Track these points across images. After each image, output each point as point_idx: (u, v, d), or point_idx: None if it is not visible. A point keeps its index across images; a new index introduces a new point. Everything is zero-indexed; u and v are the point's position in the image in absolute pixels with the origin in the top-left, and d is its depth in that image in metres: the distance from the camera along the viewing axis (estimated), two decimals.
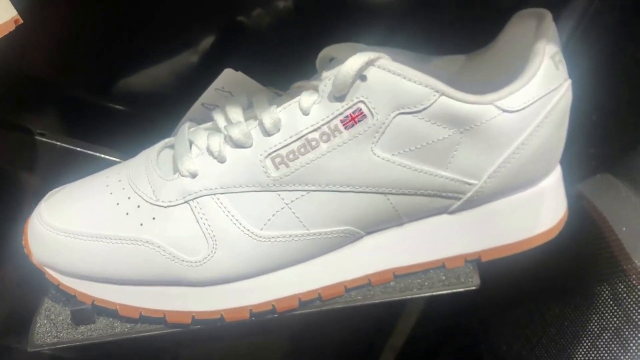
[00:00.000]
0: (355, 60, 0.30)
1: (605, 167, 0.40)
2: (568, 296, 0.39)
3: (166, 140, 0.36)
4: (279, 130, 0.31)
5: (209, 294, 0.32)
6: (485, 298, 0.37)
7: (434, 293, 0.35)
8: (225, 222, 0.32)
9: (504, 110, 0.32)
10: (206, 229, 0.32)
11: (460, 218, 0.35)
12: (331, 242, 0.33)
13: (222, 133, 0.33)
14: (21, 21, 0.31)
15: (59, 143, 0.41)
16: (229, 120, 0.34)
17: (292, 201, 0.32)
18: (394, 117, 0.31)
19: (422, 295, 0.35)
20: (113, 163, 0.38)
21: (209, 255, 0.32)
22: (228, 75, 0.37)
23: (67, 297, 0.34)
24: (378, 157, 0.31)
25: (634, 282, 0.36)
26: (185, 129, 0.35)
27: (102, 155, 0.42)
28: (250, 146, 0.32)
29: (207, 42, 0.43)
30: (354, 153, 0.31)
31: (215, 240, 0.32)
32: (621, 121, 0.40)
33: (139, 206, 0.32)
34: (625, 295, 0.35)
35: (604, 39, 0.41)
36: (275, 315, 0.33)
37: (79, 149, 0.42)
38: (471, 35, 0.38)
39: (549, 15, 0.34)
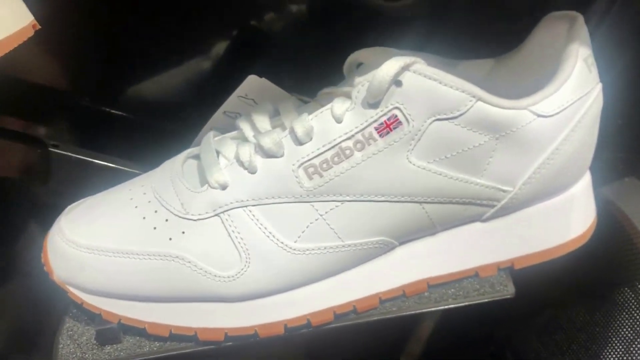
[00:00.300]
0: (391, 65, 0.29)
1: (631, 170, 0.40)
2: (597, 302, 0.38)
3: (189, 151, 0.35)
4: (311, 138, 0.30)
5: (242, 309, 0.31)
6: (510, 304, 0.36)
7: (470, 303, 0.34)
8: (258, 234, 0.31)
9: (539, 115, 0.31)
10: (238, 242, 0.30)
11: (493, 225, 0.34)
12: (366, 253, 0.32)
13: (251, 142, 0.32)
14: (39, 26, 0.29)
15: (73, 154, 0.40)
16: (256, 129, 0.33)
17: (326, 212, 0.31)
18: (430, 123, 0.30)
19: (458, 305, 0.34)
20: (129, 175, 0.37)
21: (242, 269, 0.30)
22: (251, 82, 0.36)
23: (91, 316, 0.33)
24: (414, 165, 0.31)
25: None
26: (211, 138, 0.34)
27: (118, 167, 0.41)
28: (281, 156, 0.31)
29: (227, 48, 0.42)
30: (389, 161, 0.30)
31: (249, 254, 0.30)
32: None
33: (167, 220, 0.31)
34: None
35: (628, 39, 0.40)
36: (310, 329, 0.32)
37: (94, 160, 0.41)
38: (498, 39, 0.37)
39: (580, 18, 0.33)
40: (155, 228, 0.31)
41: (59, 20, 0.35)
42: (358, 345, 0.50)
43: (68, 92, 0.42)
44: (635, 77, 0.38)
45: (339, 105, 0.30)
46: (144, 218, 0.31)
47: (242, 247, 0.30)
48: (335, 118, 0.30)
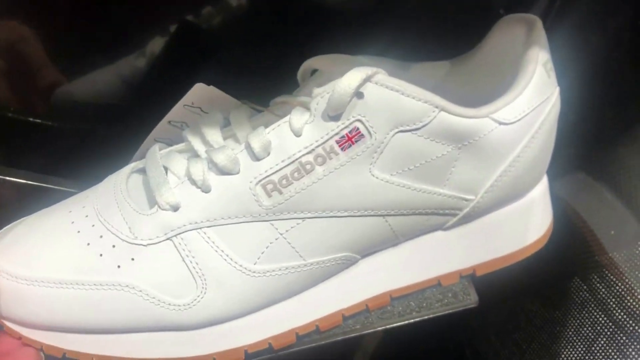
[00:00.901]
0: (353, 77, 0.27)
1: (582, 165, 0.40)
2: (555, 301, 0.39)
3: (132, 165, 0.33)
4: (269, 153, 0.29)
5: (199, 338, 0.29)
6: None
7: (434, 315, 0.33)
8: (215, 258, 0.29)
9: (500, 123, 0.31)
10: (193, 267, 0.28)
11: (455, 234, 0.34)
12: (328, 270, 0.31)
13: (203, 158, 0.30)
14: None
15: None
16: (207, 143, 0.30)
17: (286, 230, 0.29)
18: (393, 135, 0.29)
19: (422, 318, 0.33)
20: (67, 194, 0.34)
21: (198, 296, 0.28)
22: (199, 90, 0.33)
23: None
24: (377, 178, 0.29)
25: (612, 277, 0.36)
26: (156, 152, 0.31)
27: (52, 186, 0.37)
28: (237, 172, 0.29)
29: (169, 50, 0.39)
30: (352, 175, 0.29)
31: (205, 280, 0.28)
32: (598, 120, 0.40)
33: (114, 246, 0.29)
34: (605, 295, 0.35)
35: (573, 36, 0.40)
36: (272, 354, 0.31)
37: (22, 180, 0.37)
38: (452, 40, 0.36)
39: (538, 22, 0.33)
40: (101, 255, 0.29)
41: None
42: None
43: None
44: (582, 73, 0.38)
45: (297, 118, 0.29)
46: (88, 244, 0.29)
47: (197, 272, 0.28)
48: (294, 131, 0.29)
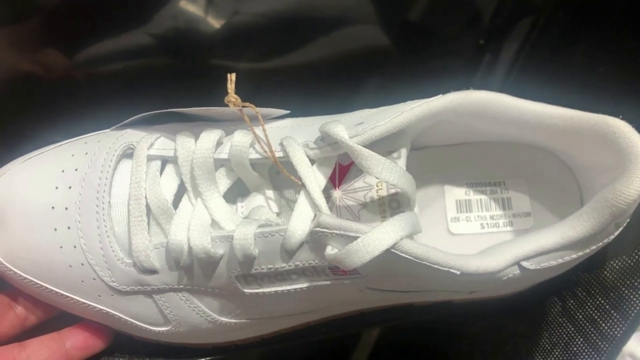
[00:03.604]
0: (382, 238, 0.23)
1: None
2: (520, 315, 0.41)
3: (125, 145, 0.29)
4: (255, 258, 0.27)
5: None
6: (441, 317, 0.39)
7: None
8: (190, 312, 0.30)
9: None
10: (168, 314, 0.30)
11: None
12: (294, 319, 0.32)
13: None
14: None
15: None
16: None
17: (258, 304, 0.30)
18: None
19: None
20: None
21: (172, 329, 0.31)
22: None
23: None
24: (362, 291, 0.28)
25: (581, 295, 0.38)
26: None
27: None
28: (221, 259, 0.27)
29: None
30: (339, 289, 0.28)
31: (179, 323, 0.30)
32: None
33: (94, 279, 0.29)
34: (574, 308, 0.37)
35: (545, 65, 0.40)
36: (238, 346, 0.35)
37: None
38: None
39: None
40: (82, 281, 0.29)
41: None
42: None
43: None
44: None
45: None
46: (70, 266, 0.29)
47: (172, 317, 0.30)
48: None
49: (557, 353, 0.38)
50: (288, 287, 0.28)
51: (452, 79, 0.39)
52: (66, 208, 0.29)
